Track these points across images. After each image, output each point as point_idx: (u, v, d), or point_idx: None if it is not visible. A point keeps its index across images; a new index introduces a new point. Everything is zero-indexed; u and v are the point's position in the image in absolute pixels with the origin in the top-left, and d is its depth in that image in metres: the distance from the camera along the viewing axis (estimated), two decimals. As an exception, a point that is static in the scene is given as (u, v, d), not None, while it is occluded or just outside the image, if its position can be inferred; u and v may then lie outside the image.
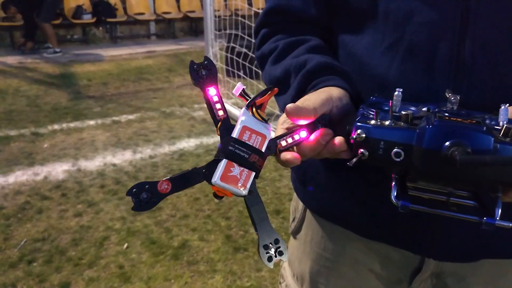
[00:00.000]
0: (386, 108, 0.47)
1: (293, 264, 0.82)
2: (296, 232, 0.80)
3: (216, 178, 0.41)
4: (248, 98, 0.44)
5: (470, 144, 0.38)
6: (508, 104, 0.42)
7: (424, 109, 0.47)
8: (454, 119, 0.41)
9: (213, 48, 3.98)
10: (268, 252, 0.43)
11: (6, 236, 2.16)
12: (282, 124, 0.48)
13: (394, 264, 0.68)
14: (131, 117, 3.88)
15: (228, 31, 3.83)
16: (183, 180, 0.41)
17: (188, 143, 3.34)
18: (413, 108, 0.47)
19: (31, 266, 1.97)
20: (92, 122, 3.72)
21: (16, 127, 3.54)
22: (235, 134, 0.42)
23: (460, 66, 0.52)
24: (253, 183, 0.43)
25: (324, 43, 0.65)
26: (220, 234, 2.23)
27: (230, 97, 3.89)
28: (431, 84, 0.54)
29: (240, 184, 0.42)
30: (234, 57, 3.79)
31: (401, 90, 0.45)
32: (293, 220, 0.82)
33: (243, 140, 0.42)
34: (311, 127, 0.46)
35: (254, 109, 0.44)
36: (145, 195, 0.39)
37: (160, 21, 7.64)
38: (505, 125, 0.40)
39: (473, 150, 0.38)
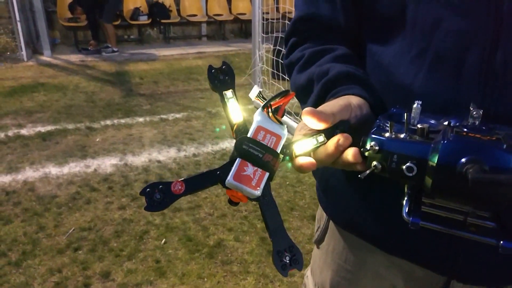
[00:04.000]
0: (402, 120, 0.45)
1: (315, 273, 0.81)
2: (319, 241, 0.80)
3: (229, 176, 0.40)
4: (264, 101, 0.44)
5: (488, 162, 0.36)
6: None
7: (445, 123, 0.44)
8: (473, 134, 0.39)
9: (260, 50, 4.01)
10: (282, 260, 0.41)
11: (57, 224, 2.32)
12: (300, 130, 0.48)
13: (418, 282, 0.65)
14: (178, 115, 4.00)
15: (275, 34, 3.84)
16: (198, 181, 0.41)
17: (230, 144, 3.39)
18: (432, 121, 0.45)
19: (77, 253, 2.09)
20: (141, 119, 3.89)
21: (74, 121, 3.78)
22: (249, 133, 0.42)
23: (490, 77, 0.49)
24: (268, 187, 0.42)
25: (351, 52, 0.63)
26: (255, 236, 2.24)
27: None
28: (458, 95, 0.51)
29: (253, 184, 0.41)
30: (280, 60, 3.79)
31: (420, 102, 0.43)
32: (317, 229, 0.81)
33: (258, 140, 0.42)
34: (329, 133, 0.45)
35: (269, 111, 0.43)
36: (158, 196, 0.40)
37: (212, 22, 7.82)
38: None
39: (491, 168, 0.36)
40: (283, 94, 0.44)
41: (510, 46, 0.48)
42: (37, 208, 2.45)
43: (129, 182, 2.77)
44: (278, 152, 0.42)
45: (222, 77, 0.44)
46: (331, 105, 0.47)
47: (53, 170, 2.90)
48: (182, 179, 0.40)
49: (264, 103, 0.43)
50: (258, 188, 0.41)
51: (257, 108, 0.44)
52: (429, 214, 0.44)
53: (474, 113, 0.42)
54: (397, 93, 0.56)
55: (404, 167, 0.40)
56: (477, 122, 0.42)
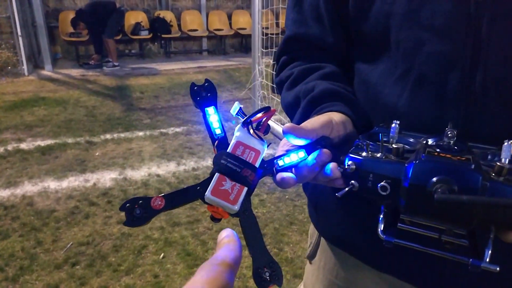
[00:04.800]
0: (385, 139, 0.46)
1: None
2: (311, 257, 0.80)
3: (207, 192, 0.40)
4: (244, 116, 0.44)
5: (457, 182, 0.37)
6: (511, 141, 0.40)
7: (425, 142, 0.46)
8: (444, 155, 0.40)
9: (260, 65, 4.04)
10: (261, 276, 0.40)
11: (55, 238, 2.30)
12: (282, 146, 0.49)
13: None
14: (178, 129, 4.01)
15: (275, 49, 3.88)
16: (178, 197, 0.41)
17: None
18: (412, 140, 0.46)
19: (74, 268, 2.07)
20: (141, 133, 3.89)
21: (73, 135, 3.78)
22: (229, 149, 0.42)
23: (470, 98, 0.51)
24: (247, 202, 0.42)
25: (339, 70, 0.65)
26: (254, 251, 2.22)
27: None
28: (441, 115, 0.52)
29: (231, 199, 0.41)
30: (280, 74, 3.81)
31: (398, 122, 0.45)
32: (310, 244, 0.82)
33: (236, 155, 0.42)
34: (310, 149, 0.46)
35: (250, 127, 0.44)
36: (138, 211, 0.39)
37: (212, 37, 7.91)
38: (497, 164, 0.38)
39: (459, 188, 0.37)
40: (264, 110, 0.44)
41: (489, 67, 0.49)
42: (35, 223, 2.43)
43: (128, 196, 2.76)
44: (257, 166, 0.43)
45: (205, 94, 0.44)
46: (312, 122, 0.48)
47: (52, 184, 2.90)
48: (162, 194, 0.40)
49: (244, 119, 0.44)
50: (236, 203, 0.41)
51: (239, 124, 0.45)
52: (406, 232, 0.44)
53: (449, 133, 0.43)
54: (383, 112, 0.57)
55: (378, 186, 0.42)
56: (451, 142, 0.43)
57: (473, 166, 0.38)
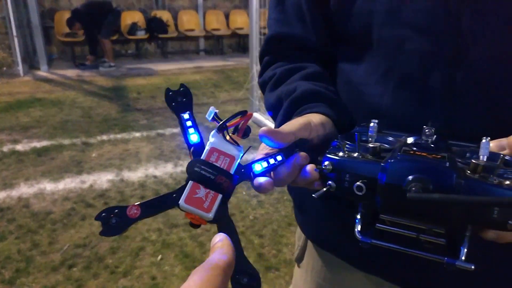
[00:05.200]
0: (365, 139, 0.46)
1: None
2: (299, 260, 0.80)
3: (181, 200, 0.40)
4: (220, 121, 0.43)
5: (432, 180, 0.36)
6: (489, 138, 0.39)
7: (404, 141, 0.45)
8: (419, 153, 0.39)
9: (257, 65, 4.03)
10: (239, 282, 0.40)
11: (51, 240, 2.28)
12: (262, 149, 0.48)
13: None
14: (175, 130, 3.99)
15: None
16: (154, 205, 0.41)
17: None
18: (391, 139, 0.46)
19: (71, 270, 2.06)
20: (138, 134, 3.88)
21: (70, 137, 3.76)
22: (203, 155, 0.42)
23: (452, 96, 0.50)
24: (225, 209, 0.42)
25: (322, 70, 0.64)
26: (252, 252, 2.21)
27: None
28: (423, 113, 0.52)
29: (205, 206, 0.40)
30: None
31: (376, 121, 0.44)
32: (297, 247, 0.81)
33: (210, 161, 0.41)
34: (289, 152, 0.45)
35: (225, 132, 0.43)
36: (114, 220, 0.39)
37: (209, 37, 7.89)
38: (472, 161, 0.38)
39: (434, 186, 0.36)
40: (240, 114, 0.43)
41: (470, 65, 0.49)
42: (31, 225, 2.41)
43: (125, 198, 2.74)
44: (232, 173, 0.42)
45: (180, 99, 0.44)
46: (291, 124, 0.48)
47: (48, 186, 2.87)
48: (138, 203, 0.40)
49: (219, 124, 0.43)
50: (211, 211, 0.40)
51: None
52: (386, 232, 0.44)
53: (427, 131, 0.43)
54: (366, 112, 0.57)
55: (354, 186, 0.41)
56: (429, 140, 0.43)
57: (447, 164, 0.37)
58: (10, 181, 2.93)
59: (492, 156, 0.39)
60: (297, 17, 0.66)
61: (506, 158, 0.40)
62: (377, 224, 0.44)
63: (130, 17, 7.10)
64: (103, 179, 2.98)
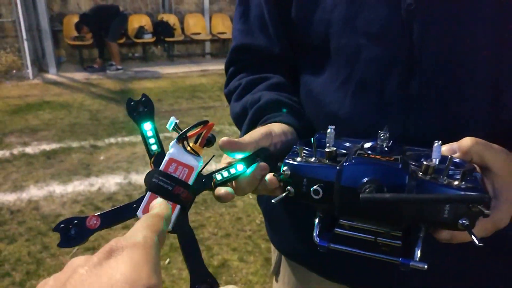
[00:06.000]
0: (323, 144, 0.47)
1: None
2: (276, 274, 0.80)
3: (139, 211, 0.40)
4: (180, 132, 0.43)
5: (385, 182, 0.38)
6: (441, 142, 0.41)
7: (363, 145, 0.47)
8: (373, 156, 0.41)
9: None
10: None
11: (61, 243, 2.31)
12: (225, 159, 0.49)
13: None
14: (182, 133, 4.02)
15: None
16: (114, 215, 0.40)
17: (234, 162, 3.40)
18: (348, 145, 0.47)
19: (81, 273, 2.08)
20: (145, 137, 3.90)
21: (78, 139, 3.80)
22: (161, 166, 0.42)
23: (408, 101, 0.52)
24: (184, 219, 0.42)
25: (285, 80, 0.66)
26: (259, 256, 2.23)
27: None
28: (381, 119, 0.54)
29: None
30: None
31: (333, 127, 0.46)
32: (273, 261, 0.82)
33: (168, 172, 0.42)
34: (250, 161, 0.46)
35: (185, 142, 0.43)
36: (73, 231, 0.39)
37: (215, 40, 7.93)
38: (423, 163, 0.40)
39: (388, 187, 0.38)
40: (201, 123, 0.44)
41: (424, 72, 0.51)
42: (41, 227, 2.45)
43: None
44: (191, 184, 0.42)
45: (142, 109, 0.44)
46: (252, 134, 0.49)
47: (57, 188, 2.91)
48: (98, 213, 0.40)
49: (179, 134, 0.43)
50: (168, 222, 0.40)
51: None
52: (345, 236, 0.45)
53: (382, 135, 0.45)
54: (326, 120, 0.59)
55: (311, 190, 0.42)
56: (384, 144, 0.44)
57: (400, 166, 0.39)
58: (20, 183, 2.97)
59: (444, 159, 0.41)
60: (260, 28, 0.67)
61: (455, 160, 0.42)
62: (336, 229, 0.45)
63: (137, 21, 7.16)
64: (111, 182, 3.01)
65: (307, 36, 0.61)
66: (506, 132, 0.51)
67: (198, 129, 0.44)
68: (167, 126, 0.43)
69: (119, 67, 6.52)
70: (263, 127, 0.53)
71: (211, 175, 0.45)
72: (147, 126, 0.44)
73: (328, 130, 0.45)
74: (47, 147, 3.62)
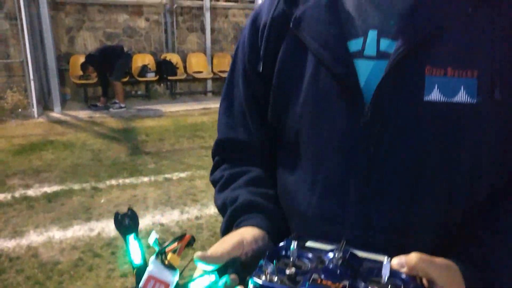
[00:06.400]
0: (288, 255, 0.51)
1: None
2: None
3: None
4: (159, 247, 0.47)
5: None
6: (390, 258, 0.46)
7: (330, 255, 0.50)
8: (325, 282, 0.45)
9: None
10: None
11: (58, 293, 2.31)
12: (200, 266, 0.53)
13: None
14: (182, 175, 4.07)
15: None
16: None
17: (233, 205, 3.42)
18: (310, 256, 0.51)
19: (77, 326, 2.07)
20: (146, 179, 3.95)
21: (79, 181, 3.85)
22: (140, 283, 0.45)
23: (369, 198, 0.58)
24: None
25: (265, 174, 0.72)
26: None
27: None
28: (345, 218, 0.59)
29: None
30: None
31: (296, 242, 0.50)
32: None
33: None
34: (222, 272, 0.50)
35: (163, 257, 0.47)
36: None
37: (217, 79, 8.12)
38: (373, 280, 0.44)
39: None
40: (179, 238, 0.48)
41: (381, 176, 0.57)
42: (39, 276, 2.45)
43: (132, 247, 2.78)
44: None
45: (127, 222, 0.48)
46: (224, 244, 0.54)
47: (57, 234, 2.93)
48: None
49: (157, 250, 0.47)
50: None
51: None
52: None
53: (336, 255, 0.49)
54: (298, 220, 0.64)
55: None
56: (340, 261, 0.48)
57: None
58: (20, 228, 2.99)
59: (394, 273, 0.46)
60: (242, 123, 0.73)
61: (402, 277, 0.46)
62: None
63: (141, 60, 7.36)
64: (111, 227, 3.03)
65: (281, 138, 0.68)
66: (456, 228, 0.58)
67: (175, 244, 0.48)
68: (149, 241, 0.47)
69: (123, 105, 6.66)
70: (236, 236, 0.57)
71: (186, 284, 0.49)
72: (131, 239, 0.47)
73: (291, 246, 0.50)
74: (48, 189, 3.66)
